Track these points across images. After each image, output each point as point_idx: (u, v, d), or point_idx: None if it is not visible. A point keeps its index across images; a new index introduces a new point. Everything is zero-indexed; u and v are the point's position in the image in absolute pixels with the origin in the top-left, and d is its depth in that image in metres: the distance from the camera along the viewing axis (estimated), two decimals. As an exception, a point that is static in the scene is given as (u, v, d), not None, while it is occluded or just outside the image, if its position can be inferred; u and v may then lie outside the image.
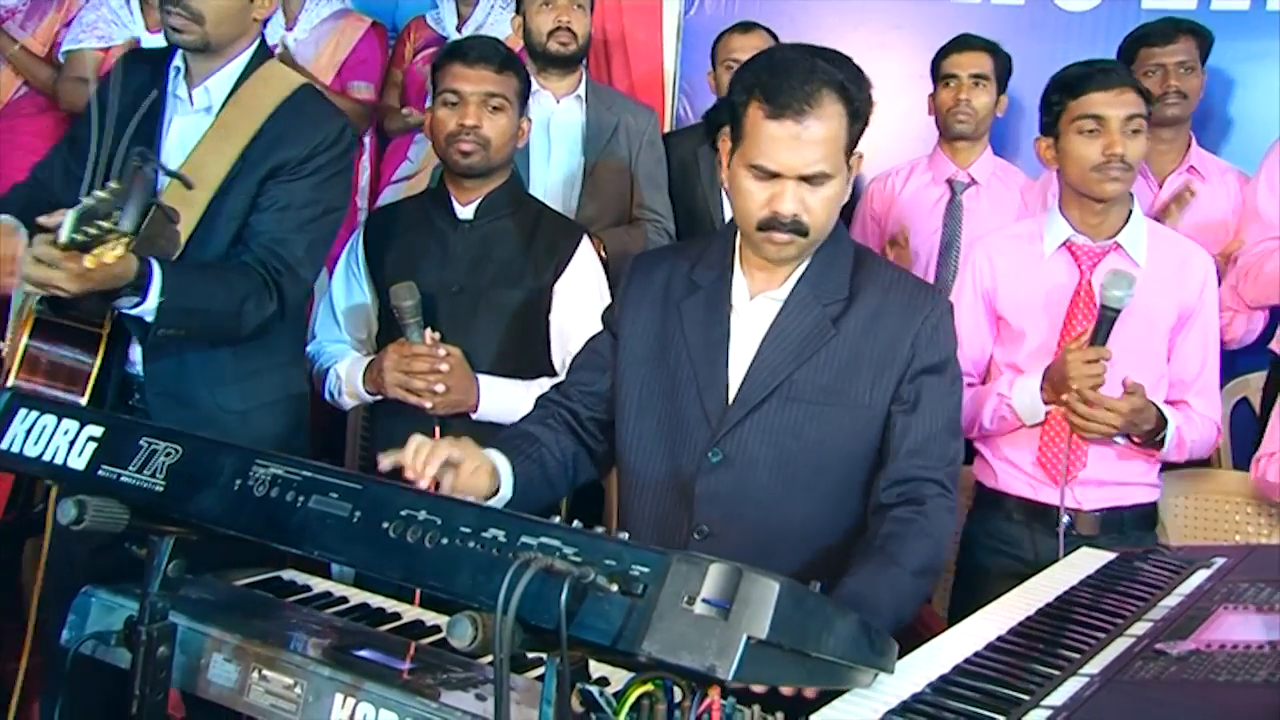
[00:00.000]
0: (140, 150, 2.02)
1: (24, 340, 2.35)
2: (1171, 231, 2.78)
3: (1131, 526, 2.59)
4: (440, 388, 2.53)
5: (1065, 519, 2.51)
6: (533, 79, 3.36)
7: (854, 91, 1.88)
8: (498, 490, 1.88)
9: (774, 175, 1.87)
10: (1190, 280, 2.58)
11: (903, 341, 1.95)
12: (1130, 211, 2.57)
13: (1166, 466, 2.68)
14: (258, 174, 2.40)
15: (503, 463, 1.91)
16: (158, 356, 2.41)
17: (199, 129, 2.44)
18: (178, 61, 2.48)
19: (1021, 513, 2.61)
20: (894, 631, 1.67)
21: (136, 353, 2.43)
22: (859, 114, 1.89)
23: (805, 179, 1.86)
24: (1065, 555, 2.32)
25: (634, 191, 3.51)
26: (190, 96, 2.46)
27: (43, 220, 2.09)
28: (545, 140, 3.43)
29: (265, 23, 2.52)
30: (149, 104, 2.43)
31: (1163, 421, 2.48)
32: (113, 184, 1.99)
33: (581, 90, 3.52)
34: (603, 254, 2.94)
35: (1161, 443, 2.50)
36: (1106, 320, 2.39)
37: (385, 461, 1.74)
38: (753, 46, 3.25)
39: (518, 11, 3.54)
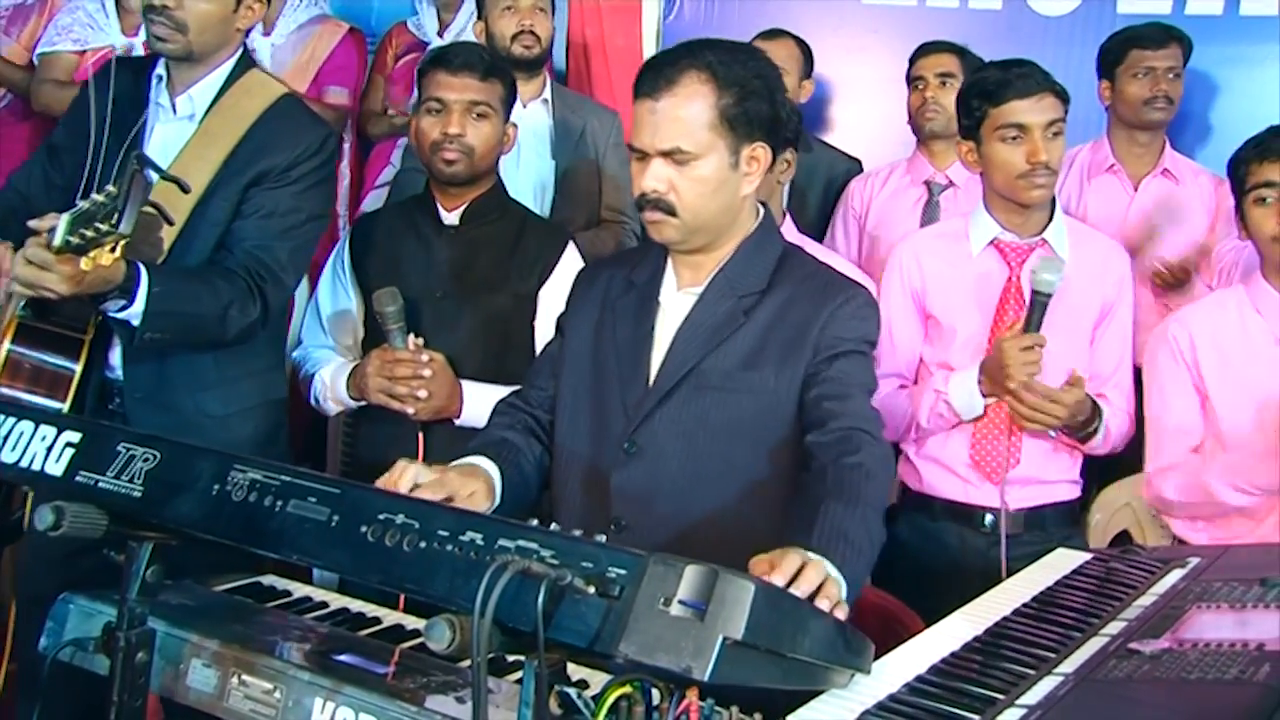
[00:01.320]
0: (138, 154, 2.02)
1: (6, 345, 2.35)
2: (1090, 229, 2.83)
3: (1054, 524, 2.63)
4: (423, 393, 2.53)
5: (989, 518, 2.57)
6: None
7: (724, 70, 1.88)
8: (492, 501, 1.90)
9: (644, 155, 1.91)
10: (1110, 275, 2.64)
11: (812, 326, 1.92)
12: (1053, 205, 2.61)
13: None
14: (241, 181, 2.41)
15: (494, 471, 1.93)
16: (139, 362, 2.42)
17: (182, 136, 2.45)
18: (160, 70, 2.49)
19: (948, 514, 2.64)
20: (866, 571, 1.71)
21: (116, 357, 2.44)
22: (738, 94, 1.88)
23: (666, 155, 1.88)
24: (1006, 553, 2.44)
25: (601, 193, 3.53)
26: (173, 104, 2.47)
27: (33, 223, 2.10)
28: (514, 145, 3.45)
29: (247, 32, 2.53)
30: (134, 112, 2.45)
31: (1095, 412, 2.51)
32: (110, 188, 1.99)
33: (547, 94, 3.53)
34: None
35: (1093, 434, 2.54)
36: (1039, 305, 2.42)
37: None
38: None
39: (479, 17, 3.54)
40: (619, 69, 4.13)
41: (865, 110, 3.86)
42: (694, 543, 1.89)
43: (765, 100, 1.92)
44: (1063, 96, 2.53)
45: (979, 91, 2.54)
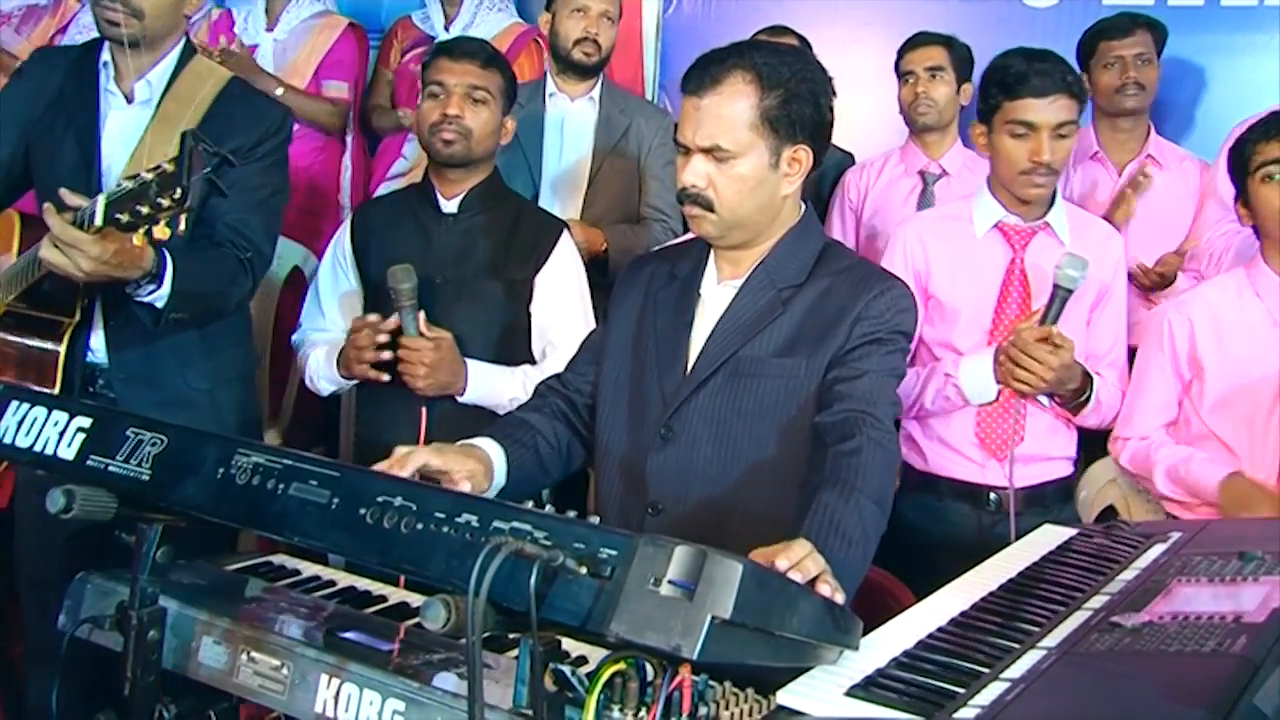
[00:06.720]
0: (192, 131, 2.06)
1: None
2: (1087, 214, 2.87)
3: (1053, 500, 2.69)
4: (385, 377, 2.60)
5: (994, 496, 2.62)
6: (550, 78, 3.44)
7: (769, 72, 1.90)
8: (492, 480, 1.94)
9: (686, 150, 1.94)
10: (1107, 259, 2.68)
11: (847, 314, 1.95)
12: (1055, 191, 2.64)
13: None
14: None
15: (497, 451, 1.97)
16: (125, 343, 2.47)
17: (139, 122, 2.49)
18: (106, 57, 2.53)
19: (955, 493, 2.68)
20: (864, 563, 1.74)
21: (97, 341, 2.49)
22: (782, 96, 1.91)
23: (707, 152, 1.92)
24: (1014, 530, 2.45)
25: (642, 191, 3.55)
26: (129, 91, 2.51)
27: (64, 194, 2.14)
28: (558, 138, 3.48)
29: (190, 18, 2.59)
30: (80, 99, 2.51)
31: (1087, 381, 2.56)
32: (164, 165, 2.02)
33: (596, 92, 3.55)
34: (603, 250, 3.11)
35: (1085, 403, 2.58)
36: (1059, 299, 2.46)
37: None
38: None
39: (547, 9, 3.55)
40: (619, 61, 4.14)
41: (860, 101, 3.88)
42: (729, 524, 1.93)
43: (809, 104, 1.94)
44: (1079, 97, 2.55)
45: (998, 80, 2.56)
